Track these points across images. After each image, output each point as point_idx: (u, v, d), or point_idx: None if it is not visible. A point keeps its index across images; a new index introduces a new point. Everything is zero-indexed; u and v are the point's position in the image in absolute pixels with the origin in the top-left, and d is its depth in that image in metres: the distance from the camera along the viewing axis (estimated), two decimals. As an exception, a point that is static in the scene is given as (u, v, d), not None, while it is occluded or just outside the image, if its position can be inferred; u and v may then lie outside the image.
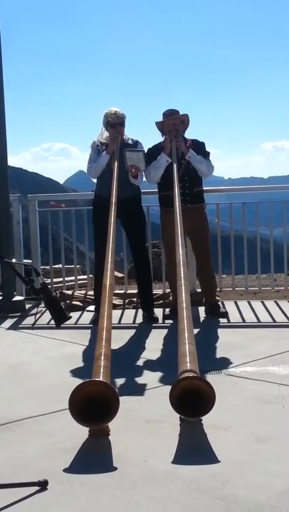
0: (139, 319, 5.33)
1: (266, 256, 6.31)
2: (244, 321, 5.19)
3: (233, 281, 6.39)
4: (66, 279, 6.66)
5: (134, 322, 5.31)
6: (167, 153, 5.04)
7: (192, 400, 2.65)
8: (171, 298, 5.56)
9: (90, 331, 4.90)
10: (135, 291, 5.81)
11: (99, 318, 3.32)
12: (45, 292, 4.48)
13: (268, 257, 6.25)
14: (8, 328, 5.24)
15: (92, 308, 5.60)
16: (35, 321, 5.19)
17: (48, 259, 6.71)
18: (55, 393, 3.28)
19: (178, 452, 2.50)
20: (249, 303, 5.80)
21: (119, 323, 5.25)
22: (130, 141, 5.19)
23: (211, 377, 3.45)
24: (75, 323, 5.27)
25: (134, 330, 5.00)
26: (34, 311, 5.55)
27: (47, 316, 5.02)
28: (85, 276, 7.15)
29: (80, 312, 5.71)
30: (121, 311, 5.72)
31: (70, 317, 4.59)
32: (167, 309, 5.42)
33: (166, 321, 5.19)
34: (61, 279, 6.61)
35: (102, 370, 2.76)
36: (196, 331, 3.52)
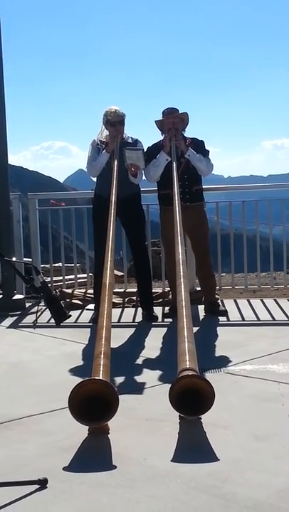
0: (139, 318, 5.33)
1: (266, 254, 6.32)
2: (244, 319, 5.19)
3: (232, 280, 6.40)
4: (66, 277, 6.67)
5: (133, 321, 5.31)
6: (167, 151, 5.05)
7: (192, 399, 2.66)
8: (170, 296, 5.57)
9: (89, 329, 4.91)
10: (135, 289, 5.82)
11: (98, 317, 3.33)
12: (45, 291, 4.48)
13: (268, 255, 6.26)
14: (9, 327, 5.25)
15: (91, 306, 5.61)
16: (36, 320, 5.19)
17: (48, 257, 6.72)
18: (55, 392, 3.29)
19: (177, 450, 2.50)
20: (249, 301, 5.80)
21: (118, 321, 5.26)
22: (130, 140, 5.19)
23: (210, 376, 3.45)
24: (75, 322, 5.28)
25: (134, 328, 5.01)
26: (34, 309, 5.56)
27: (47, 315, 5.03)
28: (85, 275, 7.15)
29: (79, 311, 5.72)
30: (121, 309, 5.72)
31: (70, 316, 4.58)
32: (167, 308, 5.43)
33: (166, 320, 5.20)
34: (61, 278, 6.62)
35: (101, 369, 2.76)
36: (195, 329, 3.53)
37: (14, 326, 5.29)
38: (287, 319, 5.10)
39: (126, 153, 4.93)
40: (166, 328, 4.89)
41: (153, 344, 4.44)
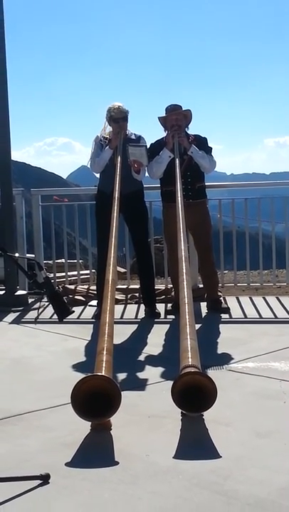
0: (142, 314, 5.34)
1: (268, 252, 6.32)
2: (246, 316, 5.20)
3: (235, 277, 6.40)
4: (69, 273, 6.67)
5: (136, 317, 5.32)
6: (170, 148, 5.04)
7: (194, 395, 2.66)
8: (173, 293, 5.57)
9: (92, 325, 4.91)
10: (137, 286, 5.83)
11: (101, 313, 3.33)
12: (47, 286, 4.49)
13: (270, 252, 6.26)
14: (11, 323, 5.26)
15: (94, 303, 5.62)
16: (38, 316, 5.20)
17: (51, 253, 6.72)
18: (57, 387, 3.29)
19: (179, 447, 2.51)
20: (251, 299, 5.80)
21: (121, 318, 5.26)
22: (133, 136, 5.19)
23: (212, 373, 3.45)
24: (78, 318, 5.28)
25: (137, 325, 5.01)
26: (37, 305, 5.56)
27: (49, 311, 5.03)
28: (88, 271, 7.15)
29: (82, 307, 5.72)
30: (123, 306, 5.72)
31: (73, 311, 4.59)
32: (169, 304, 5.43)
33: (168, 316, 5.20)
34: (64, 274, 6.61)
35: (104, 365, 2.76)
36: (197, 326, 3.52)
37: (17, 321, 5.29)
38: (289, 317, 5.10)
39: (129, 150, 4.93)
40: (168, 325, 4.90)
41: (155, 341, 4.45)
